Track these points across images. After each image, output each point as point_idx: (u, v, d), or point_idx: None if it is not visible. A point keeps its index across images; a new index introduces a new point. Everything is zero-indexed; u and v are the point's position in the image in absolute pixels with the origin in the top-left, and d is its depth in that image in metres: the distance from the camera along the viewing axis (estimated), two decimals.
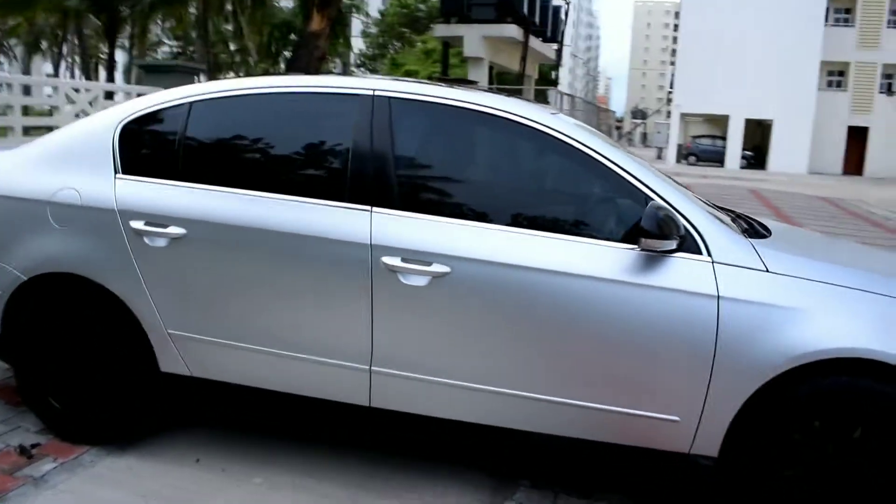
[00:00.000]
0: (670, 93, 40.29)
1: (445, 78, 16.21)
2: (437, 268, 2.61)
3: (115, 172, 2.97)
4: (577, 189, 2.93)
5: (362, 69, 45.65)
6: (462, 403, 2.74)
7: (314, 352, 2.79)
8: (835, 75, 36.53)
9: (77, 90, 7.35)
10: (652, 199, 2.60)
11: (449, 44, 16.76)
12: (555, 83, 23.62)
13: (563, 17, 20.99)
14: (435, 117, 2.91)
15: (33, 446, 3.04)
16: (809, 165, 34.47)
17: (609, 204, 2.79)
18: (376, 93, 2.85)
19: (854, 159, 36.55)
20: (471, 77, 16.25)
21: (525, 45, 16.21)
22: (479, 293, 2.62)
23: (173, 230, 2.83)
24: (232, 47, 36.63)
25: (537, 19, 16.79)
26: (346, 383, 2.80)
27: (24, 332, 3.05)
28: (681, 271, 2.54)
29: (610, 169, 2.68)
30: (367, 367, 2.75)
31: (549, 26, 18.80)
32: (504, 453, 3.08)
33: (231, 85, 3.06)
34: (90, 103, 7.38)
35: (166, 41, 44.67)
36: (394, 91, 2.86)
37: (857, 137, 36.37)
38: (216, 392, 2.96)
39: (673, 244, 2.50)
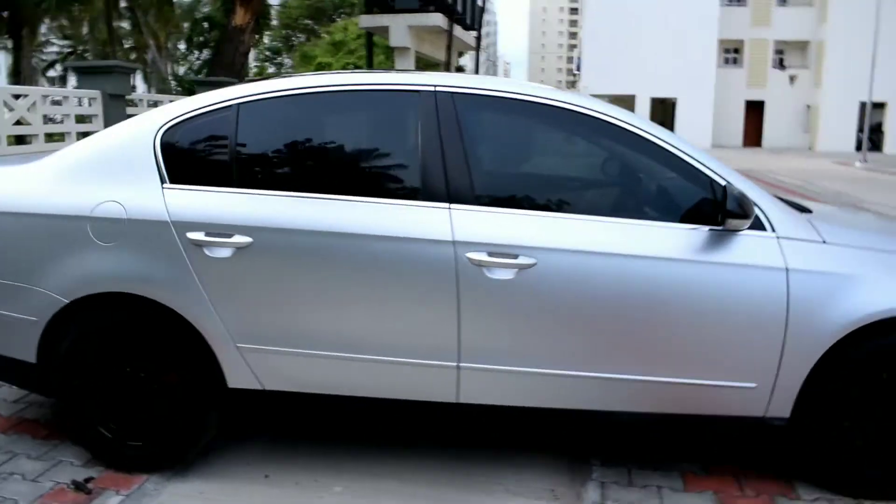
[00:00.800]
0: (576, 74, 41.23)
1: (375, 70, 16.03)
2: (524, 260, 2.61)
3: (162, 182, 2.77)
4: (646, 175, 2.98)
5: (268, 63, 44.50)
6: (550, 390, 2.75)
7: (398, 353, 2.71)
8: (731, 52, 38.43)
9: (17, 96, 6.80)
10: (716, 182, 2.69)
11: (372, 34, 16.56)
12: (461, 70, 23.76)
13: (479, 3, 21.13)
14: (499, 111, 2.91)
15: (87, 480, 2.82)
16: (713, 139, 36.16)
17: (676, 188, 2.84)
18: (438, 88, 2.80)
19: (752, 132, 38.65)
20: (398, 67, 16.15)
21: (450, 33, 16.22)
22: (566, 282, 2.63)
23: (238, 239, 2.67)
24: (126, 45, 34.95)
25: (459, 7, 16.85)
26: (433, 382, 2.74)
27: (67, 360, 2.81)
28: (751, 248, 2.65)
29: (675, 155, 2.75)
30: (455, 364, 2.70)
31: (469, 14, 18.89)
32: (584, 435, 3.17)
33: (281, 84, 2.91)
34: (28, 110, 6.86)
35: (54, 41, 42.14)
36: (456, 86, 2.82)
37: (755, 111, 38.45)
38: (290, 403, 2.83)
39: (750, 223, 2.62)
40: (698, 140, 35.35)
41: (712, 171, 2.72)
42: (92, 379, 2.82)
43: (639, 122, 2.82)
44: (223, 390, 2.80)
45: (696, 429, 2.86)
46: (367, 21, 15.94)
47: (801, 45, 38.01)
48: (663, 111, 38.26)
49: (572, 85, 49.95)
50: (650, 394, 2.74)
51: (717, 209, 2.62)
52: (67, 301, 2.74)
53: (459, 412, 2.79)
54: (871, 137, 36.93)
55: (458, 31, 16.87)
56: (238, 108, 2.84)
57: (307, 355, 2.73)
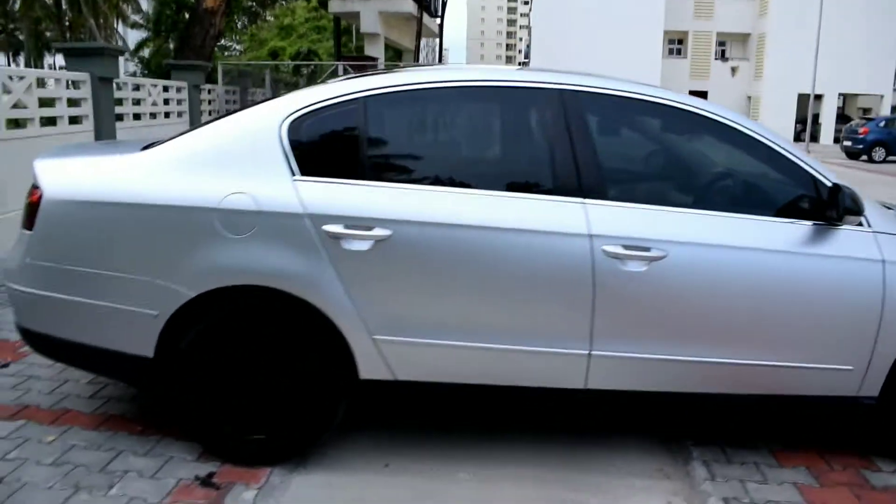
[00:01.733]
0: (523, 63, 41.51)
1: (351, 57, 15.88)
2: (655, 253, 2.73)
3: (293, 174, 2.73)
4: (755, 172, 3.14)
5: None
6: (671, 375, 2.86)
7: (531, 342, 2.77)
8: (675, 43, 39.33)
9: (11, 77, 6.46)
10: (819, 180, 2.91)
11: (338, 18, 16.31)
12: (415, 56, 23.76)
13: None
14: (623, 110, 3.04)
15: (210, 475, 2.77)
16: None
17: (782, 185, 3.02)
18: (564, 87, 2.89)
19: None
20: (368, 53, 16.00)
21: (420, 20, 16.14)
22: (692, 273, 2.77)
23: (378, 232, 2.67)
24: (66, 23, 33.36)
25: None
26: (564, 369, 2.81)
27: (189, 354, 2.75)
28: (851, 241, 2.87)
29: (783, 155, 2.94)
30: (587, 352, 2.78)
31: (432, 1, 18.87)
32: (685, 417, 3.34)
33: (409, 78, 2.93)
34: (24, 92, 6.53)
35: None
36: (582, 86, 2.91)
37: None
38: (420, 393, 2.85)
39: (861, 219, 2.85)
40: None
41: (816, 170, 2.93)
42: (215, 373, 2.77)
43: (748, 123, 2.99)
44: (354, 381, 2.79)
45: (796, 408, 3.06)
46: (337, 6, 15.73)
47: (743, 38, 39.25)
48: None
49: None
50: (759, 377, 2.91)
51: (828, 206, 2.82)
52: (194, 294, 2.68)
53: (585, 398, 2.88)
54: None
55: (425, 18, 16.86)
56: (366, 101, 2.83)
57: (442, 346, 2.75)
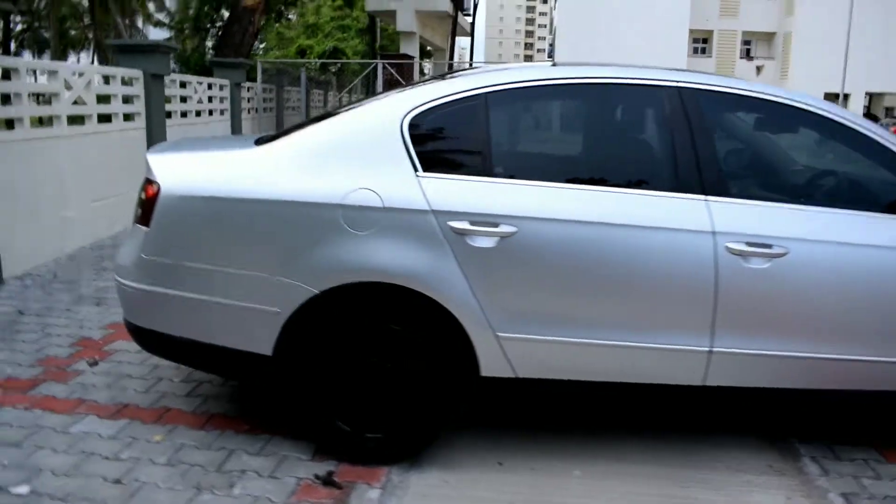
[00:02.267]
0: (550, 60, 41.38)
1: (390, 55, 15.89)
2: (777, 250, 2.72)
3: (416, 171, 2.72)
4: (869, 170, 3.10)
5: None
6: (790, 371, 2.85)
7: (652, 339, 2.76)
8: (699, 42, 39.05)
9: (76, 74, 6.50)
10: None
11: (374, 17, 16.34)
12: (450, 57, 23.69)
13: None
14: (740, 108, 3.08)
15: (330, 474, 2.76)
16: None
17: (892, 181, 2.97)
18: (681, 85, 2.90)
19: None
20: (404, 51, 16.00)
21: (455, 18, 16.12)
22: (813, 269, 2.76)
23: (504, 229, 2.66)
24: (86, 21, 33.58)
25: None
26: (683, 366, 2.80)
27: (309, 352, 2.75)
28: None
29: (891, 150, 2.92)
30: (708, 349, 2.77)
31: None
32: (803, 414, 3.39)
33: (529, 75, 2.93)
34: (85, 88, 6.57)
35: None
36: (700, 84, 2.93)
37: None
38: (539, 390, 2.84)
39: None
40: None
41: None
42: (334, 371, 2.76)
43: (859, 120, 2.98)
44: (475, 379, 2.77)
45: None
46: (374, 4, 15.73)
47: (768, 37, 38.90)
48: None
49: None
50: (874, 372, 2.88)
51: None
52: (317, 291, 2.67)
53: (703, 394, 2.86)
54: None
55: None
56: (487, 98, 2.83)
57: (565, 343, 2.74)
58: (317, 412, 2.80)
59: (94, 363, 3.80)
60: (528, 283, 2.71)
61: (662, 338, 2.76)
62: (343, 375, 2.77)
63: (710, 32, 38.54)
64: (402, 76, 13.34)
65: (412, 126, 2.77)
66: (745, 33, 38.46)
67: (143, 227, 2.81)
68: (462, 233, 2.65)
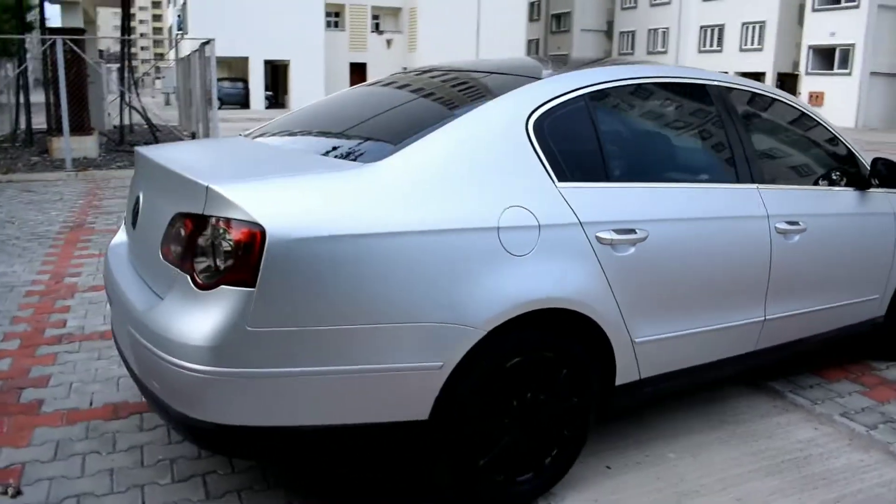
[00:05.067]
0: (179, 34, 38.57)
1: (63, 28, 13.03)
2: (802, 226, 3.19)
3: (553, 180, 2.45)
4: (834, 156, 3.65)
5: None
6: (800, 324, 3.35)
7: (737, 317, 3.01)
8: (332, 16, 40.09)
9: None
10: (858, 157, 3.63)
11: None
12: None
13: None
14: (755, 103, 3.41)
15: None
16: None
17: (837, 159, 3.62)
18: (718, 83, 3.15)
19: None
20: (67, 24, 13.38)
21: None
22: (824, 238, 3.30)
23: (640, 234, 2.60)
24: None
25: None
26: (748, 335, 3.10)
27: (472, 403, 2.30)
28: (880, 201, 3.64)
29: (836, 136, 3.62)
30: (762, 318, 3.12)
31: None
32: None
33: (630, 73, 2.90)
34: None
35: None
36: (729, 83, 3.21)
37: (358, 73, 41.02)
38: (651, 386, 2.83)
39: None
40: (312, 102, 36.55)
41: (855, 149, 3.65)
42: (492, 417, 2.38)
43: (811, 108, 3.63)
44: (610, 390, 2.68)
45: (849, 336, 3.73)
46: None
47: (395, 12, 41.60)
48: (276, 74, 38.41)
49: (174, 46, 46.49)
50: (839, 315, 3.55)
51: (875, 177, 3.55)
52: (485, 332, 2.23)
53: (754, 358, 3.21)
54: None
55: None
56: (594, 95, 2.71)
57: (683, 335, 2.82)
58: (469, 468, 2.38)
59: (12, 492, 2.53)
60: (658, 284, 2.70)
61: (741, 314, 3.03)
62: (499, 420, 2.40)
63: (343, 6, 39.83)
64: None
65: (536, 129, 2.48)
66: (374, 8, 40.59)
67: (246, 289, 2.00)
68: (608, 243, 2.51)
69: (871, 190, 3.57)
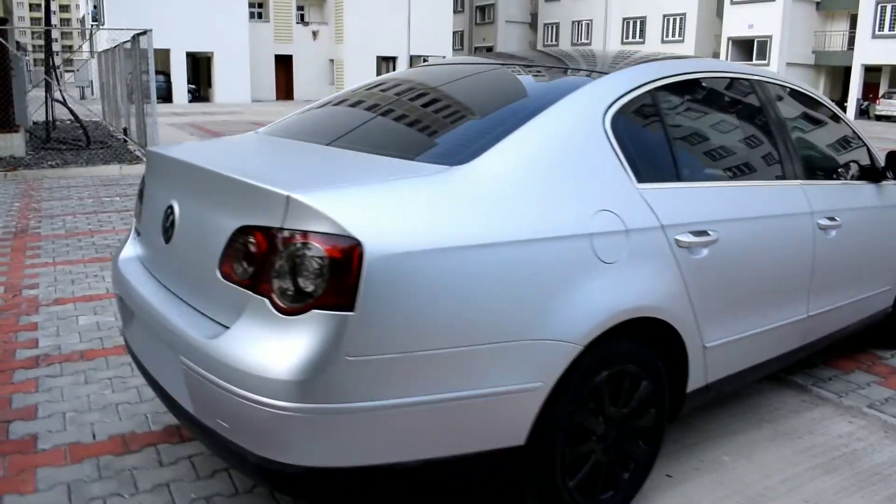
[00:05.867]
0: (94, 25, 36.63)
1: None
2: (839, 221, 3.17)
3: (633, 181, 2.30)
4: (854, 151, 3.65)
5: None
6: (835, 318, 3.33)
7: (784, 316, 2.94)
8: (256, 7, 38.89)
9: None
10: (873, 153, 3.65)
11: None
12: None
13: None
14: (795, 100, 3.35)
15: None
16: (252, 95, 36.63)
17: (855, 153, 3.62)
18: (758, 77, 3.09)
19: (284, 86, 40.27)
20: None
21: None
22: (853, 232, 3.28)
23: (712, 237, 2.48)
24: None
25: None
26: (792, 334, 3.05)
27: (564, 423, 2.12)
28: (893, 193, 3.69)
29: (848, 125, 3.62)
30: (806, 315, 3.08)
31: None
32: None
33: (697, 66, 2.83)
34: None
35: None
36: (768, 77, 3.16)
37: (284, 65, 40.02)
38: (716, 389, 2.74)
39: None
40: (239, 96, 35.52)
41: (870, 143, 3.67)
42: (580, 436, 2.21)
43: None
44: (682, 399, 2.56)
45: (865, 327, 3.75)
46: None
47: (320, 2, 40.69)
48: (199, 67, 37.03)
49: (88, 37, 44.33)
50: (866, 305, 3.57)
51: (890, 170, 3.61)
52: (582, 346, 2.05)
53: (795, 355, 3.17)
54: None
55: None
56: (662, 91, 2.59)
57: (743, 337, 2.74)
58: (559, 493, 2.19)
59: None
60: (725, 287, 2.60)
61: (791, 312, 2.98)
62: (587, 438, 2.24)
63: None
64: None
65: (613, 126, 2.31)
66: None
67: (336, 313, 1.73)
68: (686, 246, 2.38)
69: (885, 182, 3.58)
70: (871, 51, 33.29)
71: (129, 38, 12.26)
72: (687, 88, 2.75)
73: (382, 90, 2.93)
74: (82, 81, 37.32)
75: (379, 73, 41.92)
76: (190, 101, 35.12)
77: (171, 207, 2.22)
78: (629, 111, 2.41)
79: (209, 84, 37.06)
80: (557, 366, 2.01)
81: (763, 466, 2.81)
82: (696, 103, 2.81)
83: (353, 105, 2.86)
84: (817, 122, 3.46)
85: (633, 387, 2.31)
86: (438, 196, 1.92)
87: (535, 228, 1.99)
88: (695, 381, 2.57)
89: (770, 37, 35.22)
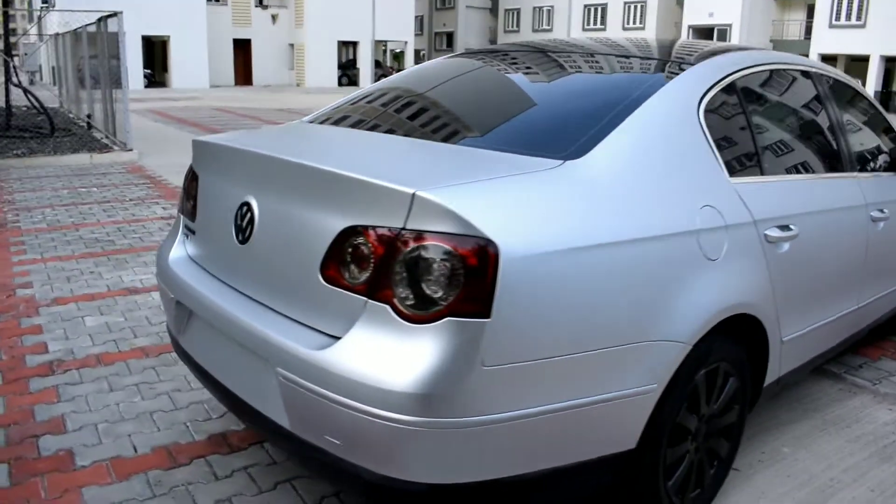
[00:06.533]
0: (45, 7, 35.24)
1: None
2: (886, 213, 3.18)
3: (726, 174, 2.23)
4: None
5: None
6: (883, 305, 3.39)
7: (844, 306, 2.95)
8: None
9: None
10: None
11: None
12: None
13: None
14: (844, 92, 3.30)
15: None
16: (210, 80, 35.75)
17: (890, 142, 3.60)
18: (816, 70, 3.06)
19: (242, 71, 39.40)
20: None
21: None
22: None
23: (794, 231, 2.44)
24: None
25: None
26: (847, 323, 3.05)
27: (671, 423, 2.06)
28: None
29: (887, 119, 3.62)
30: (858, 305, 3.07)
31: None
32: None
33: (774, 57, 2.80)
34: None
35: None
36: (822, 69, 3.13)
37: (242, 50, 39.13)
38: (781, 384, 2.73)
39: None
40: (197, 81, 34.62)
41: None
42: (680, 436, 2.15)
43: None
44: (758, 394, 2.53)
45: None
46: None
47: None
48: (153, 51, 35.96)
49: (36, 19, 42.52)
50: None
51: None
52: (691, 346, 1.98)
53: (844, 344, 3.19)
54: (348, 73, 41.69)
55: None
56: (743, 83, 2.52)
57: (812, 329, 2.74)
58: (658, 494, 2.12)
59: None
60: (802, 281, 2.57)
61: (849, 302, 2.99)
62: (685, 438, 2.18)
63: None
64: None
65: (707, 119, 2.24)
66: None
67: (471, 320, 1.61)
68: (773, 241, 2.34)
69: None
70: (827, 40, 33.99)
71: (93, 21, 11.74)
72: (763, 80, 2.69)
73: (453, 76, 2.79)
74: (32, 66, 35.90)
75: (340, 58, 41.36)
76: (146, 87, 34.08)
77: (246, 205, 2.04)
78: (718, 103, 2.35)
79: (165, 69, 36.02)
80: (670, 367, 1.94)
81: (823, 457, 2.80)
82: (771, 95, 2.76)
83: (420, 93, 2.70)
84: (861, 113, 3.44)
85: (723, 384, 2.26)
86: (559, 192, 1.82)
87: (650, 225, 1.91)
88: (771, 375, 2.53)
89: (730, 25, 35.71)
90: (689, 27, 37.19)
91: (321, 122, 2.64)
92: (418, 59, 50.01)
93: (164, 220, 6.44)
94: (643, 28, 40.37)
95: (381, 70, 40.66)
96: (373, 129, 2.47)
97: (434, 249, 1.62)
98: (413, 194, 1.62)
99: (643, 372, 1.89)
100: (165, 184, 8.41)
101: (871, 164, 3.34)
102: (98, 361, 3.38)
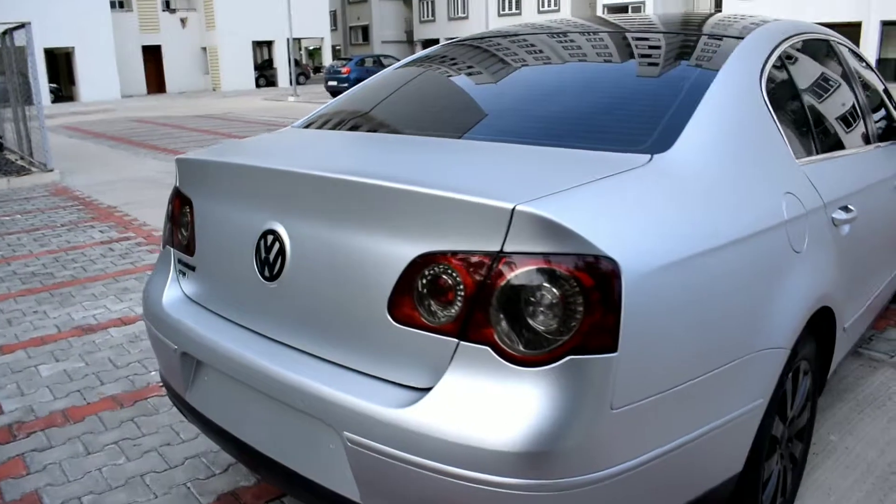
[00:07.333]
0: None
1: None
2: None
3: (793, 155, 2.04)
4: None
5: None
6: None
7: (881, 284, 2.85)
8: None
9: None
10: None
11: None
12: None
13: None
14: (859, 63, 3.18)
15: None
16: (121, 90, 34.17)
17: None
18: (837, 39, 2.94)
19: (154, 78, 37.78)
20: None
21: None
22: None
23: (854, 213, 2.28)
24: None
25: None
26: (880, 303, 2.94)
27: (765, 432, 1.84)
28: None
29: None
30: (889, 280, 2.97)
31: None
32: None
33: (798, 27, 2.55)
34: None
35: None
36: (841, 41, 3.00)
37: (152, 56, 37.52)
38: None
39: None
40: (107, 92, 33.04)
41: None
42: (771, 446, 1.96)
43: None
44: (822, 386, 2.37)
45: None
46: None
47: None
48: (57, 63, 34.10)
49: None
50: None
51: None
52: (789, 350, 1.78)
53: (876, 321, 3.16)
54: (265, 74, 40.55)
55: None
56: (789, 55, 2.34)
57: (863, 312, 2.63)
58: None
59: None
60: (859, 263, 2.42)
61: (886, 277, 2.89)
62: (774, 446, 1.99)
63: None
64: None
65: (770, 98, 2.03)
66: None
67: (596, 356, 1.33)
68: (839, 224, 2.17)
69: None
70: (741, 12, 35.00)
71: None
72: (803, 50, 2.50)
73: (474, 66, 2.49)
74: None
75: (256, 59, 40.17)
76: (53, 102, 32.27)
77: (272, 234, 1.70)
78: (776, 78, 2.15)
79: (72, 82, 34.20)
80: (774, 376, 1.74)
81: (872, 441, 2.67)
82: (811, 67, 2.58)
83: (442, 86, 2.42)
84: (869, 86, 3.33)
85: (801, 383, 2.08)
86: (659, 192, 1.56)
87: (747, 221, 1.69)
88: (833, 366, 2.37)
89: (643, 3, 36.30)
90: (604, 6, 37.67)
91: (328, 128, 2.28)
92: (335, 55, 49.12)
93: (104, 245, 5.92)
94: (558, 10, 40.67)
95: (299, 68, 39.70)
96: (396, 132, 2.13)
97: (544, 274, 1.33)
98: (513, 209, 1.33)
99: (751, 387, 1.67)
100: (97, 204, 7.80)
101: (886, 135, 3.23)
102: (65, 418, 2.95)
